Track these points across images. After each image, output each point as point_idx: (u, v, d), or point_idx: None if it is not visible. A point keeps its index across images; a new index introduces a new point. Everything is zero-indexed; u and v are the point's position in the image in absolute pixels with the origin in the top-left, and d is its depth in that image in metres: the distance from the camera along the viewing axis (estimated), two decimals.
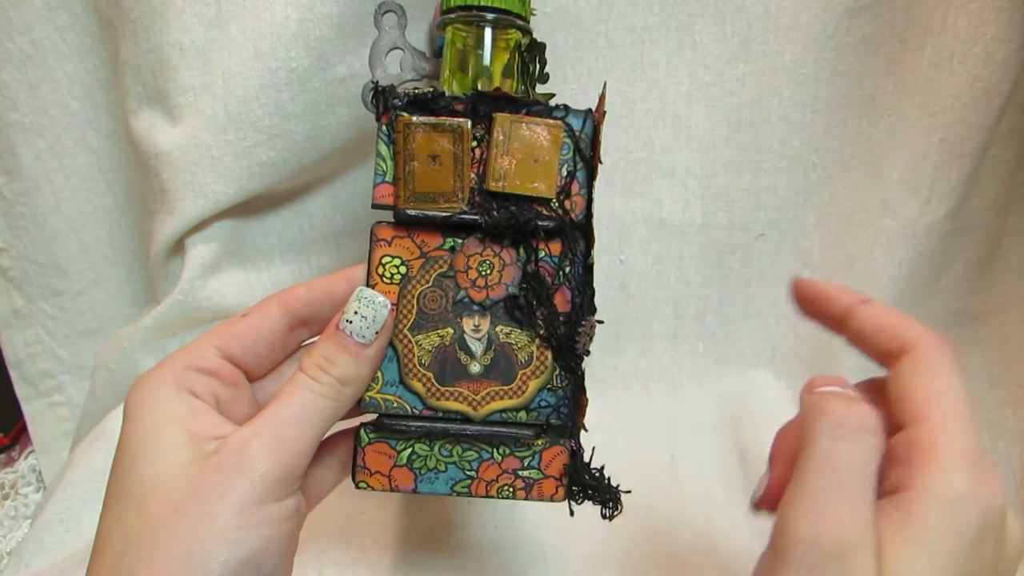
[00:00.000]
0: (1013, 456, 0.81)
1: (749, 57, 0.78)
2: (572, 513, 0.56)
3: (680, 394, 0.76)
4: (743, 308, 0.84)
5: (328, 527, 0.71)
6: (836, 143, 0.81)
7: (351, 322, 0.50)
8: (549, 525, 0.66)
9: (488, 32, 0.59)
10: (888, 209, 0.79)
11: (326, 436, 0.57)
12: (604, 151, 0.55)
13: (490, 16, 0.58)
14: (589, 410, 0.56)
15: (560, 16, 0.76)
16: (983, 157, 0.78)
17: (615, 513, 0.56)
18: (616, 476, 0.56)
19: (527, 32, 0.60)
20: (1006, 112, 0.76)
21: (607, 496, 0.56)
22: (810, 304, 0.52)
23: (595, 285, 0.55)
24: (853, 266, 0.81)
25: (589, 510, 0.56)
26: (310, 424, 0.48)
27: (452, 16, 0.59)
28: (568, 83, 0.78)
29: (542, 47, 0.61)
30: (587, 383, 0.55)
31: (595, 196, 0.55)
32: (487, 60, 0.60)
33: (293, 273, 0.84)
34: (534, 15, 0.63)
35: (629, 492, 0.57)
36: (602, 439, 0.56)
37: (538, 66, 0.62)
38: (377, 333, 0.51)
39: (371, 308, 0.51)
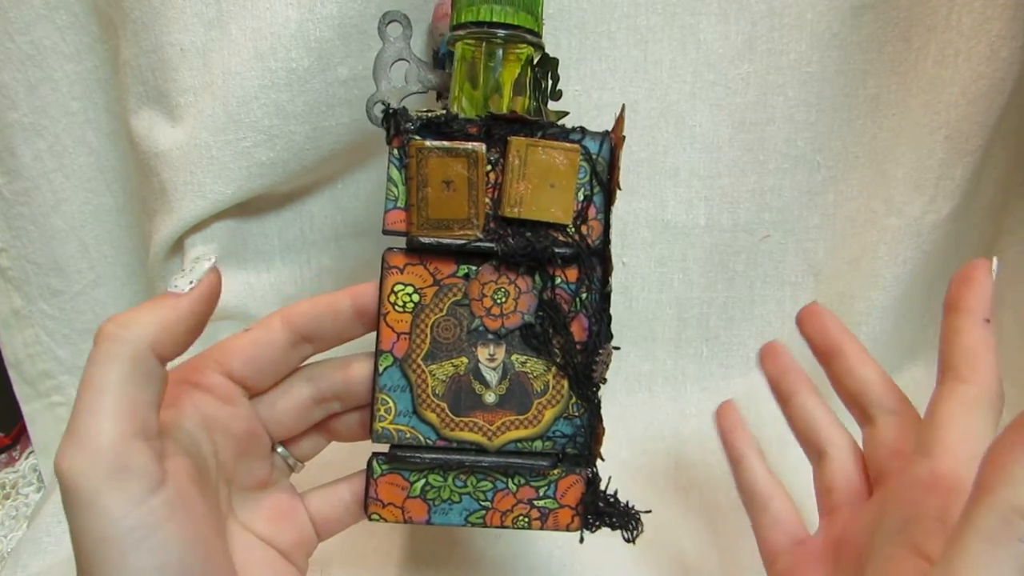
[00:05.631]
0: None
1: (754, 56, 0.77)
2: (582, 540, 0.56)
3: (684, 398, 0.77)
4: (747, 311, 0.83)
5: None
6: (840, 142, 0.80)
7: (176, 286, 0.46)
8: (554, 536, 0.66)
9: (499, 49, 0.58)
10: (893, 208, 0.79)
11: (344, 476, 0.57)
12: None
13: (502, 33, 0.57)
14: None
15: (563, 18, 0.76)
16: (987, 155, 0.78)
17: (636, 535, 0.56)
18: (620, 483, 0.56)
19: (539, 47, 0.59)
20: (1007, 112, 0.76)
21: (625, 521, 0.56)
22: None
23: None
24: (857, 266, 0.81)
25: None
26: (107, 402, 0.41)
27: (462, 32, 0.58)
28: (571, 84, 0.78)
29: (555, 63, 0.60)
30: None
31: (612, 221, 0.54)
32: (498, 76, 0.58)
33: (293, 274, 0.83)
34: None
35: (649, 512, 0.57)
36: (605, 445, 0.55)
37: (550, 82, 0.61)
38: (192, 283, 0.46)
39: (192, 267, 0.47)
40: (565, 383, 0.54)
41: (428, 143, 0.51)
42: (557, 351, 0.54)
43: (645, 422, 0.83)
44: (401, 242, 0.53)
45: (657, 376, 0.85)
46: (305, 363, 0.55)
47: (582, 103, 0.78)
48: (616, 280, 0.82)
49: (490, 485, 0.54)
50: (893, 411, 0.54)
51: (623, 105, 0.55)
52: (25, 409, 0.88)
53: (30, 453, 0.90)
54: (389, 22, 0.58)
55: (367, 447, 0.55)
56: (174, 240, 0.76)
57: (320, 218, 0.82)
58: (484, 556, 0.71)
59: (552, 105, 0.63)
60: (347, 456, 0.58)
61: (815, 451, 0.57)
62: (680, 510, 0.76)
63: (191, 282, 0.46)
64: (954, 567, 0.36)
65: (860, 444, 0.56)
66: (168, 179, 0.73)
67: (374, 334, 0.55)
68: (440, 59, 0.61)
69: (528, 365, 0.54)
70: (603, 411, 0.55)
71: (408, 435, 0.54)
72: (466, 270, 0.53)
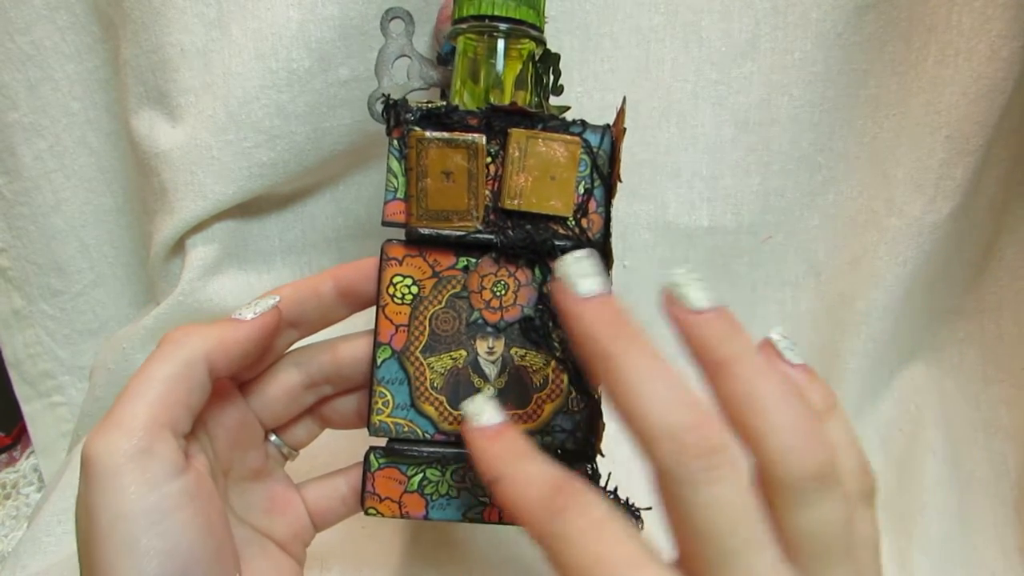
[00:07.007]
0: (1008, 455, 0.81)
1: (757, 55, 0.77)
2: None
3: None
4: (749, 312, 0.83)
5: (328, 536, 0.70)
6: (841, 143, 0.80)
7: (240, 314, 0.49)
8: None
9: (501, 42, 0.58)
10: (894, 208, 0.79)
11: (342, 468, 0.57)
12: None
13: (503, 27, 0.57)
14: None
15: (566, 20, 0.76)
16: (987, 155, 0.78)
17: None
18: (620, 482, 0.55)
19: (541, 42, 0.59)
20: (1008, 111, 0.76)
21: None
22: None
23: None
24: (858, 266, 0.80)
25: None
26: (149, 393, 0.44)
27: (464, 26, 0.57)
28: (574, 86, 0.77)
29: (556, 58, 0.60)
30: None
31: (612, 214, 0.54)
32: (499, 71, 0.58)
33: (294, 276, 0.83)
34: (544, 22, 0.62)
35: (649, 509, 0.56)
36: (606, 447, 0.55)
37: (552, 77, 0.61)
38: (255, 314, 0.49)
39: (258, 302, 0.50)
40: (565, 377, 0.53)
41: (428, 134, 0.51)
42: (557, 345, 0.53)
43: None
44: (400, 234, 0.53)
45: None
46: (291, 348, 0.55)
47: (584, 104, 0.77)
48: (617, 283, 0.81)
49: None
50: None
51: (624, 97, 0.54)
52: (25, 409, 0.88)
53: (30, 453, 0.90)
54: (392, 18, 0.58)
55: (367, 439, 0.55)
56: (174, 240, 0.76)
57: (321, 219, 0.82)
58: (485, 557, 0.71)
59: (554, 100, 0.63)
60: (346, 447, 0.58)
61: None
62: None
63: (255, 313, 0.49)
64: None
65: None
66: (168, 179, 0.73)
67: (360, 316, 0.55)
68: (443, 59, 0.61)
69: (527, 359, 0.53)
70: (604, 409, 0.54)
71: (406, 428, 0.53)
72: (465, 262, 0.53)
